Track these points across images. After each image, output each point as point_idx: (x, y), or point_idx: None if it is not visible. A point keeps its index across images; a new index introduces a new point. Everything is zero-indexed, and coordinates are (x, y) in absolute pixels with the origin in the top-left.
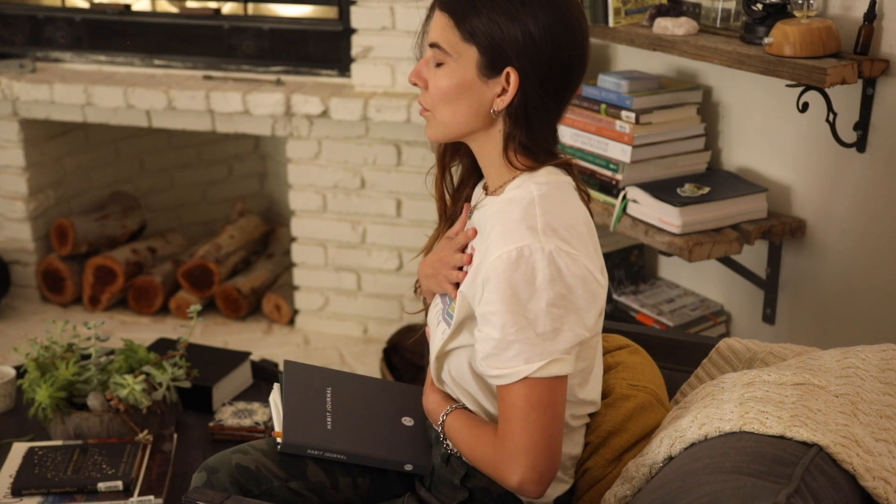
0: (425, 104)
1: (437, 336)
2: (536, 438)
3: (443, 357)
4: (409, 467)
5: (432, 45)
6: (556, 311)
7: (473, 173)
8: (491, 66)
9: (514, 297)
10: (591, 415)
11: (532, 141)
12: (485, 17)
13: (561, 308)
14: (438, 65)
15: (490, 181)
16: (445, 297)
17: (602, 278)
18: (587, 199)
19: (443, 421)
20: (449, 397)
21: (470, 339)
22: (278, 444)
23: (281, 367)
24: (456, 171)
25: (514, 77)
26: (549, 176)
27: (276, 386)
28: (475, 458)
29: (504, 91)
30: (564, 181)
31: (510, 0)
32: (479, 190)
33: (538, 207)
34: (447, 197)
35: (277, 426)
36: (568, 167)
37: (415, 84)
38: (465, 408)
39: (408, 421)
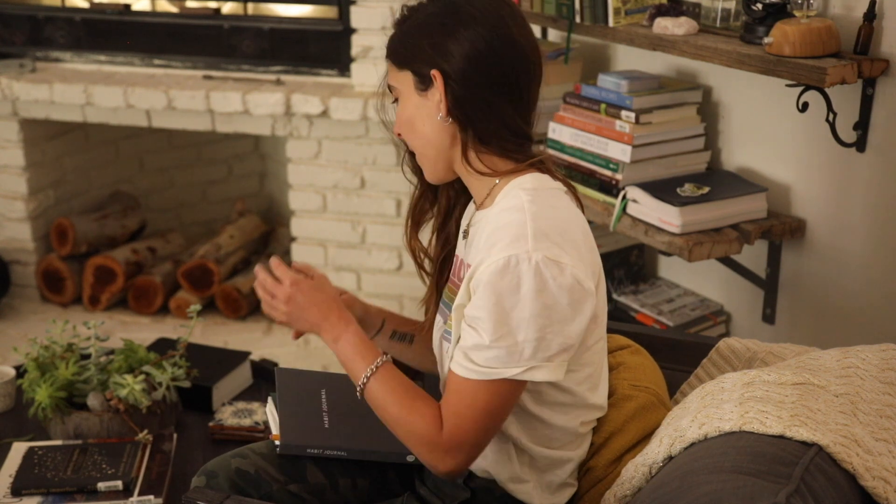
0: (409, 148)
1: (444, 358)
2: (482, 437)
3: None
4: (410, 458)
5: (390, 91)
6: (539, 320)
7: (449, 216)
8: (421, 80)
9: (499, 306)
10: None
11: (485, 136)
12: (408, 45)
13: (544, 318)
14: (395, 101)
15: (476, 197)
16: (442, 316)
17: (590, 285)
18: (579, 202)
19: (367, 378)
20: (371, 346)
21: None
22: (277, 446)
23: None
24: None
25: (437, 77)
26: (536, 181)
27: (270, 397)
28: (404, 435)
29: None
30: (553, 186)
31: (424, 22)
32: (470, 208)
33: (528, 214)
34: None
35: (275, 431)
36: (541, 165)
37: (399, 135)
38: (390, 358)
39: None
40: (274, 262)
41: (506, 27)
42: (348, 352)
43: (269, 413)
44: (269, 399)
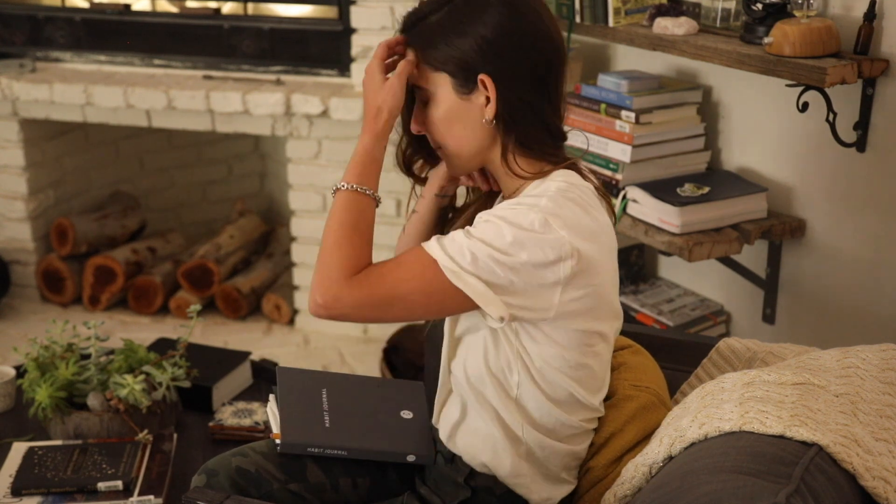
0: (433, 144)
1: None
2: (374, 309)
3: (455, 344)
4: (411, 458)
5: (415, 90)
6: (505, 253)
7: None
8: (465, 82)
9: (490, 224)
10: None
11: (527, 140)
12: (442, 45)
13: (511, 254)
14: (426, 104)
15: (505, 190)
16: None
17: (566, 271)
18: (611, 208)
19: (345, 189)
20: (374, 170)
21: (481, 322)
22: (278, 445)
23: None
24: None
25: (488, 82)
26: (568, 177)
27: (272, 397)
28: (327, 254)
29: (488, 100)
30: (585, 185)
31: (457, 19)
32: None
33: (552, 193)
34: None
35: (276, 429)
36: (575, 168)
37: (419, 132)
38: (375, 199)
39: (407, 414)
40: (398, 39)
41: (542, 22)
42: (357, 152)
43: (270, 412)
44: (271, 397)
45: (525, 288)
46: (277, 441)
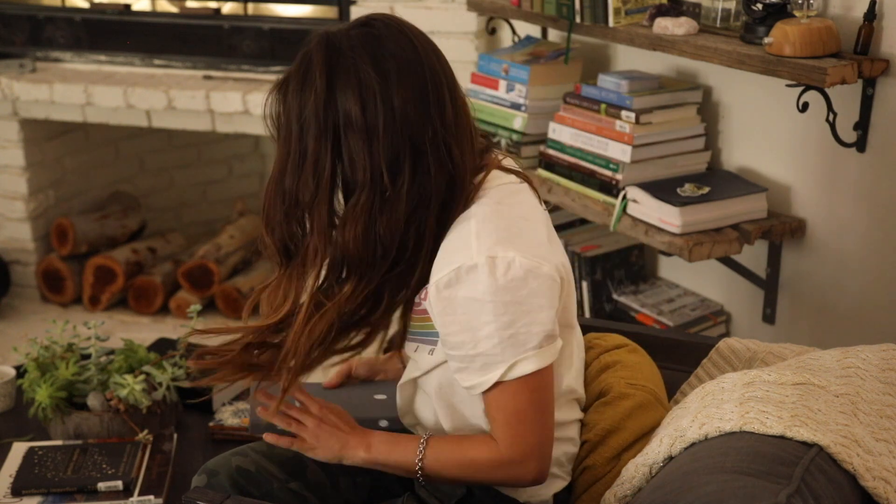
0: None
1: (421, 359)
2: (540, 433)
3: (427, 374)
4: (383, 423)
5: None
6: (504, 318)
7: None
8: None
9: (464, 316)
10: (587, 412)
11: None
12: None
13: (509, 314)
14: None
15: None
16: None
17: (550, 269)
18: (536, 191)
19: (422, 455)
20: (399, 434)
21: None
22: (248, 429)
23: None
24: None
25: None
26: (483, 190)
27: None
28: (476, 474)
29: None
30: (504, 182)
31: None
32: None
33: (473, 220)
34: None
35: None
36: (487, 152)
37: None
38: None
39: (380, 396)
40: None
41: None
42: (383, 450)
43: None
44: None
45: (546, 315)
46: (248, 426)
